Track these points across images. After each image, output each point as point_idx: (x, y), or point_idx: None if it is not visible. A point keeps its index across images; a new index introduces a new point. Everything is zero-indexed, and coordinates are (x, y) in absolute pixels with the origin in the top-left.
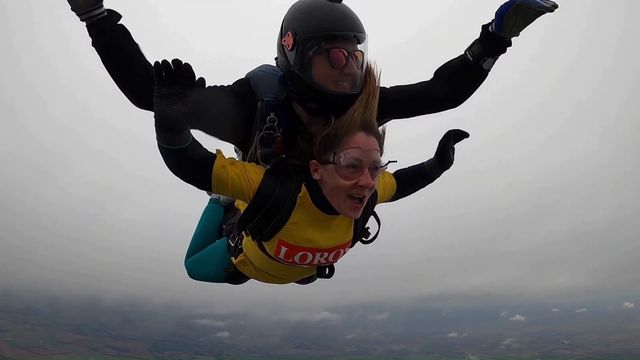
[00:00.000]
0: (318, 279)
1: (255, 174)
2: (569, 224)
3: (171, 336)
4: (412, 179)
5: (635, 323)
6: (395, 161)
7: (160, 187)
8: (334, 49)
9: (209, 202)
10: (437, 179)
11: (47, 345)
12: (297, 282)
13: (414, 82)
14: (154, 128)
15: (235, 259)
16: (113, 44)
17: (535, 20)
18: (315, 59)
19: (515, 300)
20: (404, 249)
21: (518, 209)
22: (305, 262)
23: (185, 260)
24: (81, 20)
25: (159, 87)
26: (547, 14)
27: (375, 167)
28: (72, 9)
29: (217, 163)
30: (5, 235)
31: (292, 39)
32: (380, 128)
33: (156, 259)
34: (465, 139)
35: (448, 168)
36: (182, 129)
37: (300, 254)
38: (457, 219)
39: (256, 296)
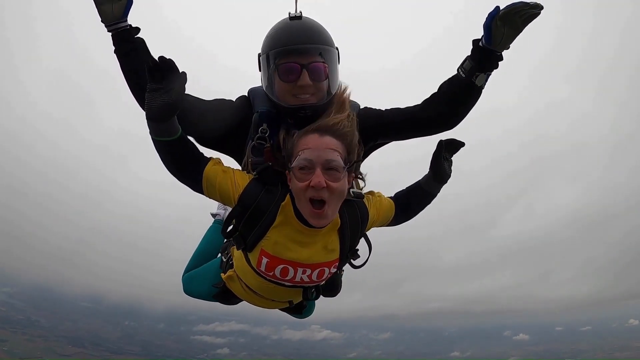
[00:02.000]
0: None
1: (242, 179)
2: None
3: (170, 352)
4: (411, 198)
5: None
6: (360, 160)
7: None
8: (283, 64)
9: (212, 223)
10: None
11: (45, 357)
12: (290, 312)
13: (412, 105)
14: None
15: (225, 274)
16: (131, 53)
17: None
18: (274, 75)
19: (519, 318)
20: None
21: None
22: (287, 278)
23: (182, 276)
24: (108, 31)
25: (150, 84)
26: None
27: (330, 167)
28: (101, 21)
29: (209, 165)
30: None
31: (258, 60)
32: (349, 131)
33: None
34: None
35: (445, 182)
36: (167, 118)
37: (281, 267)
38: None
39: (257, 314)
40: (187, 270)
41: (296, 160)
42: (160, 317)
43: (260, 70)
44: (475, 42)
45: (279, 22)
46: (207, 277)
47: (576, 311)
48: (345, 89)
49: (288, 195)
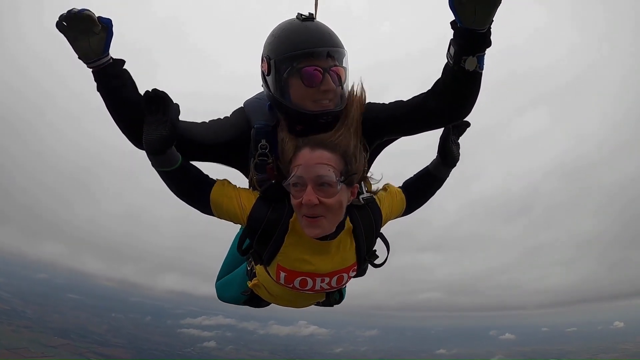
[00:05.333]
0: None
1: (247, 199)
2: None
3: (157, 345)
4: (421, 185)
5: (625, 343)
6: (363, 174)
7: None
8: (306, 68)
9: (241, 227)
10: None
11: (30, 348)
12: (319, 304)
13: (412, 96)
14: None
15: (251, 282)
16: (116, 91)
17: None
18: (291, 80)
19: (505, 318)
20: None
21: None
22: (307, 288)
23: (215, 282)
24: (88, 67)
25: (147, 117)
26: None
27: (322, 183)
28: (78, 58)
29: (214, 188)
30: None
31: (267, 64)
32: (343, 140)
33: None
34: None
35: (454, 165)
36: (164, 150)
37: (299, 279)
38: None
39: (244, 309)
40: (219, 277)
41: (290, 178)
42: (148, 310)
43: (267, 75)
44: (453, 25)
45: (287, 24)
46: (236, 284)
47: (563, 311)
48: (361, 94)
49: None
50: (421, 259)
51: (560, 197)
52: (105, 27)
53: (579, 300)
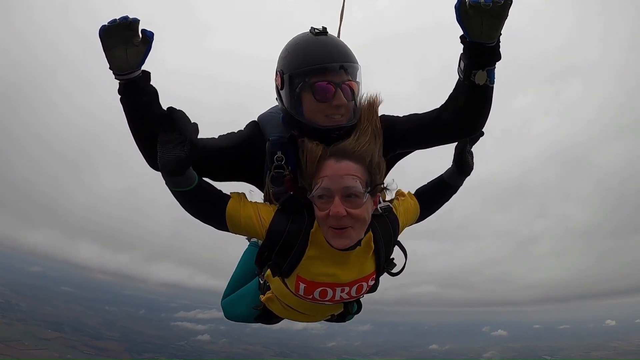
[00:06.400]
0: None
1: (266, 213)
2: None
3: (150, 338)
4: (435, 194)
5: (617, 341)
6: (383, 185)
7: None
8: (318, 83)
9: (248, 245)
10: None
11: (24, 341)
12: (332, 320)
13: (428, 110)
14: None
15: (264, 296)
16: (142, 109)
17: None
18: (303, 94)
19: (498, 315)
20: None
21: None
22: (326, 298)
23: (221, 301)
24: (117, 79)
25: (161, 135)
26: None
27: (350, 194)
28: (110, 68)
29: (230, 204)
30: None
31: (280, 78)
32: (367, 151)
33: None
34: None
35: (469, 174)
36: (182, 171)
37: (320, 289)
38: None
39: None
40: (226, 295)
41: (315, 189)
42: (141, 304)
43: (281, 89)
44: (462, 39)
45: (300, 39)
46: (247, 300)
47: (555, 308)
48: (374, 103)
49: (316, 221)
50: (414, 247)
51: (553, 183)
52: (146, 40)
53: (571, 296)
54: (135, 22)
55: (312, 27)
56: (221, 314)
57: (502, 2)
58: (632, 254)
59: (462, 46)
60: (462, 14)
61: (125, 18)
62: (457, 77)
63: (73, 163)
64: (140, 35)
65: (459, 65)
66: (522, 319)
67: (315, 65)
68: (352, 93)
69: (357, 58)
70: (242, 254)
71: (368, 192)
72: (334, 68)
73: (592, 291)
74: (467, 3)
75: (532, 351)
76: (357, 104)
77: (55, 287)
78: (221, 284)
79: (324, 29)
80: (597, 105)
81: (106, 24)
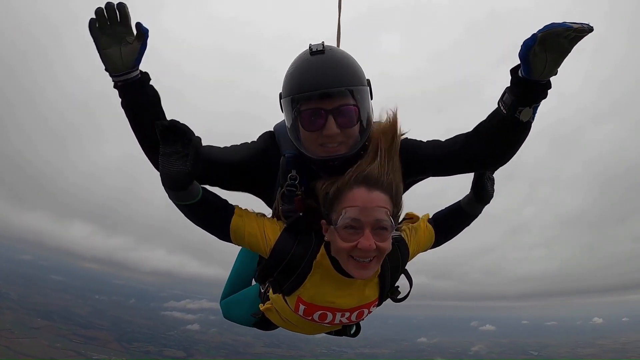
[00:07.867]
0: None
1: (272, 231)
2: None
3: (140, 327)
4: (452, 221)
5: (603, 339)
6: (399, 215)
7: None
8: (305, 111)
9: None
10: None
11: (13, 329)
12: (332, 334)
13: (452, 137)
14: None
15: (263, 305)
16: (142, 110)
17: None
18: (297, 122)
19: (487, 310)
20: None
21: None
22: (326, 321)
23: (220, 301)
24: (114, 80)
25: (163, 147)
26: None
27: (380, 227)
28: (105, 69)
29: (235, 217)
30: None
31: (279, 101)
32: (393, 180)
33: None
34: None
35: (488, 202)
36: (185, 186)
37: (319, 312)
38: None
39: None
40: (225, 295)
41: (342, 219)
42: (131, 293)
43: (283, 112)
44: (513, 72)
45: (298, 59)
46: (245, 305)
47: (543, 303)
48: (394, 124)
49: (323, 246)
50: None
51: (543, 164)
52: (141, 36)
53: (560, 291)
54: (122, 6)
55: (310, 45)
56: (211, 304)
57: (588, 28)
58: (619, 245)
59: (509, 78)
60: (531, 52)
61: (110, 4)
62: (496, 108)
63: (75, 131)
64: (135, 32)
65: (503, 98)
66: (510, 315)
67: (303, 92)
68: (350, 118)
69: (362, 74)
70: (239, 249)
71: (395, 226)
72: (323, 95)
73: (580, 286)
74: (539, 38)
75: (520, 347)
76: (365, 126)
77: (45, 275)
78: (212, 273)
79: (323, 45)
80: (583, 84)
81: (93, 16)
